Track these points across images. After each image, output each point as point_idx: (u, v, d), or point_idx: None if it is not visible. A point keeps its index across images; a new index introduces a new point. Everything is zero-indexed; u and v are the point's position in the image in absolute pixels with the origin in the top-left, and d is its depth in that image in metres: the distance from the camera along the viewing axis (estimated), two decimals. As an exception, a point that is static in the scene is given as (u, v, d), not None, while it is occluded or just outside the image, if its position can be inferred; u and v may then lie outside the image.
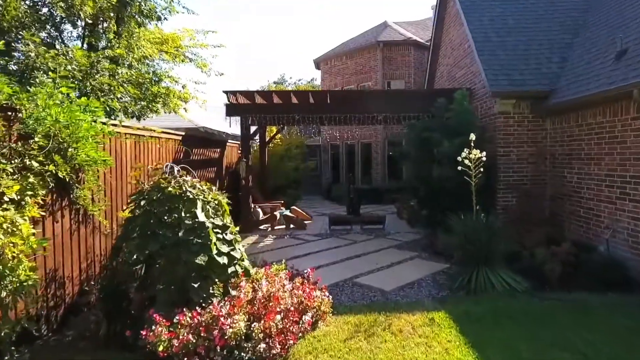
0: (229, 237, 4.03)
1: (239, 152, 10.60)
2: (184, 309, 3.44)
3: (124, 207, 4.86)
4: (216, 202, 4.11)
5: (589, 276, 5.13)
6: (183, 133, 7.55)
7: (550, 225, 6.79)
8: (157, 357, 3.15)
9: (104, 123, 4.39)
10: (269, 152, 13.04)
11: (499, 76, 7.38)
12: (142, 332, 3.23)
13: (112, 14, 6.99)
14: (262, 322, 3.40)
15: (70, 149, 3.84)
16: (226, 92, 9.15)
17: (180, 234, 3.67)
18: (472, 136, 5.35)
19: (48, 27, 6.64)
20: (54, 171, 3.64)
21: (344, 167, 17.90)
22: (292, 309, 3.71)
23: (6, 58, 4.92)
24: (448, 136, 6.86)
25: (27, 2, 6.01)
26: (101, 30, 7.23)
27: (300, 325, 3.67)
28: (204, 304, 3.59)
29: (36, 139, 3.57)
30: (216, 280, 3.76)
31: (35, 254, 3.59)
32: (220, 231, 3.96)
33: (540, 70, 7.44)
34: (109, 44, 6.84)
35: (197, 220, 3.75)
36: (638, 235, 5.17)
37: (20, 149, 3.49)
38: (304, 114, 9.53)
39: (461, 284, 5.08)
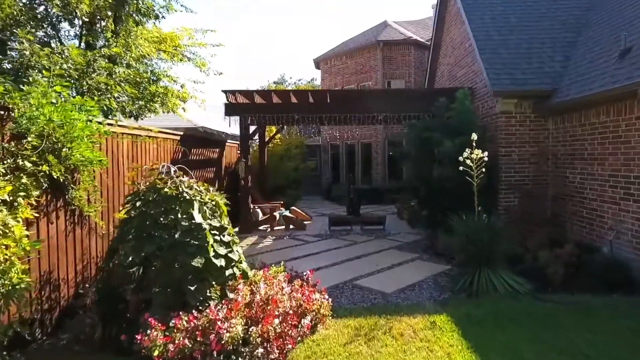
0: (226, 238, 3.95)
1: (238, 152, 10.53)
2: (181, 313, 3.37)
3: (121, 208, 4.79)
4: (213, 203, 4.03)
5: (592, 278, 5.06)
6: (181, 133, 7.48)
7: (552, 226, 6.71)
8: (152, 362, 3.08)
9: (99, 122, 4.32)
10: (269, 152, 12.96)
11: (501, 75, 7.30)
12: (137, 336, 3.16)
13: (109, 13, 6.92)
14: (260, 326, 3.33)
15: (64, 149, 3.77)
16: (225, 92, 9.07)
17: (176, 235, 3.60)
18: (474, 136, 5.28)
19: (45, 25, 6.57)
20: (47, 171, 3.57)
21: (344, 167, 17.83)
22: (290, 312, 3.64)
23: (0, 57, 4.85)
24: (449, 136, 6.78)
25: (24, 0, 5.93)
26: (99, 29, 7.16)
27: (299, 329, 3.60)
28: (200, 307, 3.52)
29: (29, 139, 3.50)
30: (213, 283, 3.69)
31: (29, 256, 3.53)
32: (217, 233, 3.89)
33: (543, 69, 7.36)
34: (107, 43, 6.78)
35: (193, 221, 3.68)
36: (642, 236, 5.10)
37: (13, 149, 3.42)
38: (304, 113, 9.46)
39: (463, 286, 5.00)
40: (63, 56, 4.99)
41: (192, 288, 3.57)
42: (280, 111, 9.42)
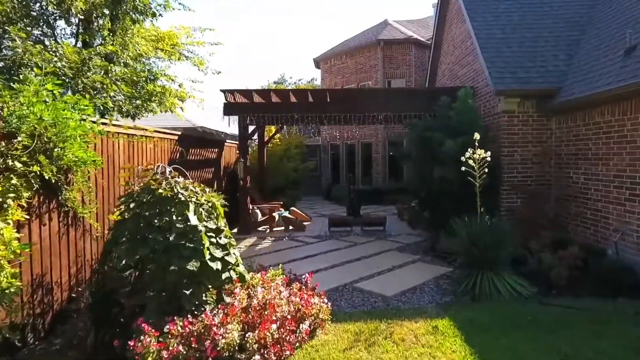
0: (223, 241, 3.85)
1: (238, 152, 10.42)
2: (175, 318, 3.27)
3: (114, 210, 4.69)
4: (210, 204, 3.93)
5: (597, 280, 4.96)
6: (179, 133, 7.37)
7: (556, 227, 6.61)
8: (145, 369, 2.97)
9: (93, 122, 4.22)
10: (268, 152, 12.86)
11: (504, 74, 7.19)
12: (129, 342, 3.06)
13: (106, 11, 6.82)
14: (257, 331, 3.23)
15: (56, 149, 3.66)
16: (224, 91, 8.96)
17: (171, 238, 3.49)
18: (477, 135, 5.18)
19: (40, 24, 6.48)
20: (38, 172, 3.47)
21: (344, 168, 17.73)
22: (289, 317, 3.54)
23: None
24: (451, 135, 6.67)
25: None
26: (96, 28, 7.06)
27: (297, 334, 3.49)
28: (196, 312, 3.42)
29: (19, 138, 3.39)
30: (209, 286, 3.59)
31: (20, 260, 3.43)
32: (213, 235, 3.79)
33: (546, 68, 7.25)
34: (104, 42, 6.68)
35: (189, 223, 3.57)
36: (649, 238, 4.99)
37: (2, 148, 3.31)
38: (303, 113, 9.35)
39: (465, 289, 4.90)
40: (57, 54, 4.89)
41: (188, 292, 3.46)
42: (279, 111, 9.31)
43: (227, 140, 11.07)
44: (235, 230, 9.40)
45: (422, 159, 7.38)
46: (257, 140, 12.26)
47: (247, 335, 3.21)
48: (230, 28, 65.55)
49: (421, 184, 7.55)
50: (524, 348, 3.55)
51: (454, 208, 6.15)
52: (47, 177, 3.57)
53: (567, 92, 6.59)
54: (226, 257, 3.77)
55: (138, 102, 6.94)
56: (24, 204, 3.47)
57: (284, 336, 3.33)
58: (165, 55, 7.92)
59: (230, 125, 11.91)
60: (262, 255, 7.17)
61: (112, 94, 5.95)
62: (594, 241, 6.06)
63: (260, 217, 9.95)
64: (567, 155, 6.83)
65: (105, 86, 5.71)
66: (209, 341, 3.06)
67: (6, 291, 2.96)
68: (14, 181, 3.28)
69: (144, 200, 3.61)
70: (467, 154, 5.09)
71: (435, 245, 7.10)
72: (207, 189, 4.14)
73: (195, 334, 3.13)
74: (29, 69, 4.50)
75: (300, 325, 3.58)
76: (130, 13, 6.88)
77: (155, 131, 6.13)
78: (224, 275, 3.70)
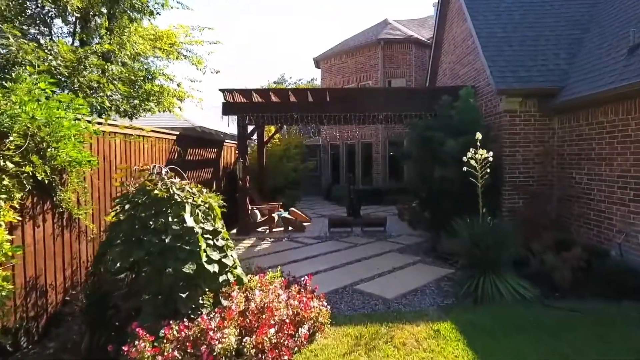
0: (220, 243, 3.76)
1: (237, 152, 10.34)
2: (171, 322, 3.19)
3: (110, 211, 4.62)
4: (207, 205, 3.85)
5: (600, 282, 4.87)
6: (177, 133, 7.29)
7: (558, 228, 6.53)
8: (139, 375, 2.89)
9: (88, 121, 4.14)
10: (268, 152, 12.78)
11: (505, 73, 7.11)
12: (123, 347, 2.98)
13: (103, 9, 6.74)
14: (255, 336, 3.15)
15: (49, 149, 3.59)
16: (222, 90, 8.88)
17: (167, 240, 3.41)
18: (479, 135, 5.10)
19: (37, 22, 6.40)
20: (31, 173, 3.39)
21: (344, 168, 17.65)
22: (287, 320, 3.46)
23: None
24: (452, 135, 6.59)
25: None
26: (94, 27, 6.98)
27: (295, 338, 3.41)
28: (192, 316, 3.34)
29: (11, 138, 3.32)
30: (206, 289, 3.51)
31: (12, 262, 3.36)
32: (210, 237, 3.71)
33: (548, 67, 7.17)
34: (101, 40, 6.60)
35: (185, 225, 3.49)
36: (653, 239, 4.91)
37: (-7, 148, 3.24)
38: (303, 112, 9.27)
39: (467, 291, 4.82)
40: (52, 52, 4.80)
41: (184, 295, 3.38)
42: (279, 110, 9.23)
43: (227, 140, 10.99)
44: (234, 231, 9.33)
45: (423, 158, 7.30)
46: (256, 140, 12.18)
47: (244, 339, 3.13)
48: (230, 28, 65.52)
49: (422, 184, 7.47)
50: (527, 351, 3.49)
51: (454, 208, 6.08)
52: (40, 178, 3.50)
53: (570, 91, 6.51)
54: (223, 260, 3.69)
55: (136, 101, 6.87)
56: (17, 205, 3.39)
57: (282, 341, 3.26)
58: (164, 54, 7.85)
59: (229, 125, 11.83)
60: (261, 257, 7.10)
61: (109, 93, 5.87)
62: (597, 242, 5.98)
63: (259, 218, 9.87)
64: (570, 155, 6.75)
65: (101, 85, 5.64)
66: (205, 346, 2.99)
67: (-3, 295, 2.89)
68: (5, 182, 3.20)
69: (139, 201, 3.53)
70: (469, 154, 5.02)
71: (436, 246, 7.02)
72: (205, 190, 4.07)
73: (191, 338, 3.06)
74: (23, 67, 4.42)
75: (299, 329, 3.50)
76: (128, 11, 6.81)
77: (152, 131, 6.05)
78: (221, 278, 3.62)
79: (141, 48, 7.05)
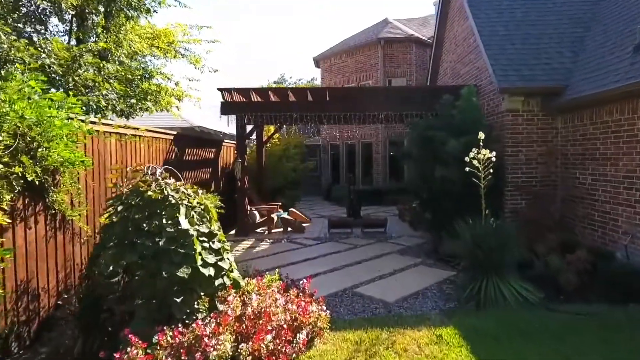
0: (216, 245, 3.66)
1: (236, 152, 10.24)
2: (165, 327, 3.09)
3: (103, 212, 4.52)
4: (202, 207, 3.74)
5: (606, 284, 4.77)
6: (175, 132, 7.18)
7: (562, 230, 6.41)
8: (131, 383, 2.79)
9: (82, 121, 4.04)
10: (267, 152, 12.67)
11: (508, 71, 7.00)
12: (115, 354, 2.88)
13: (100, 8, 6.64)
14: (251, 343, 3.05)
15: (40, 149, 3.49)
16: (221, 90, 8.77)
17: (161, 243, 3.31)
18: (481, 135, 4.99)
19: (32, 20, 6.30)
20: (20, 173, 3.29)
21: (344, 168, 17.54)
22: (285, 326, 3.35)
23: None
24: (453, 135, 6.48)
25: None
26: (90, 25, 6.88)
27: (293, 344, 3.31)
28: (187, 321, 3.24)
29: (0, 138, 3.21)
30: (201, 294, 3.40)
31: (2, 265, 3.26)
32: (206, 239, 3.60)
33: (552, 66, 7.06)
34: (97, 39, 6.50)
35: (180, 227, 3.39)
36: (660, 241, 4.80)
37: (-19, 149, 3.14)
38: (303, 112, 9.16)
39: (470, 295, 4.71)
40: (46, 50, 4.70)
41: (178, 300, 3.28)
42: (278, 110, 9.13)
43: (225, 140, 10.89)
44: (232, 232, 9.23)
45: (424, 158, 7.19)
46: (255, 140, 12.07)
47: (240, 346, 3.03)
48: (230, 27, 65.43)
49: (422, 184, 7.36)
50: (532, 357, 3.39)
51: (455, 209, 5.97)
52: (30, 179, 3.40)
53: (574, 90, 6.40)
54: (219, 263, 3.59)
55: (133, 100, 6.77)
56: (6, 207, 3.29)
57: (279, 347, 3.15)
58: (161, 53, 7.75)
59: (228, 125, 11.74)
60: (260, 259, 6.99)
61: (104, 92, 5.77)
62: (602, 244, 5.87)
63: (258, 219, 9.77)
64: (574, 155, 6.64)
65: (97, 84, 5.53)
66: (200, 353, 2.88)
67: (-15, 300, 2.79)
68: (-7, 183, 3.10)
69: (132, 202, 3.43)
70: (472, 154, 4.91)
71: (437, 248, 6.91)
72: (201, 191, 3.96)
73: (186, 344, 2.95)
74: (16, 65, 4.32)
75: (297, 334, 3.40)
76: (125, 9, 6.70)
77: (149, 130, 5.94)
78: (217, 282, 3.51)
79: (138, 46, 6.95)
